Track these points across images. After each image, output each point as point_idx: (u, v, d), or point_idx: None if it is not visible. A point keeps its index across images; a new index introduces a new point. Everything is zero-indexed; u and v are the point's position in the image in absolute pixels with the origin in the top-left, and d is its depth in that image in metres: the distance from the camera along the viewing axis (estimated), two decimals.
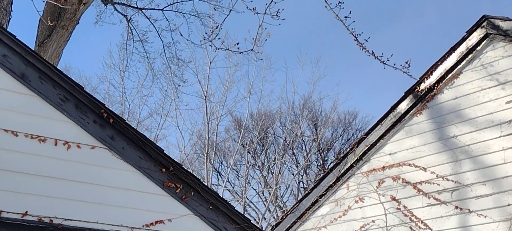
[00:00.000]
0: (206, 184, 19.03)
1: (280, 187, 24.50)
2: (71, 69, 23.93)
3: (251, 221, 5.79)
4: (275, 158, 24.45)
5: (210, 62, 20.41)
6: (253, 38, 8.11)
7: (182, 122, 29.70)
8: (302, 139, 25.78)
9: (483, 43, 6.86)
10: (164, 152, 5.26)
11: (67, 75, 4.94)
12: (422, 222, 6.89)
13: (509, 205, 6.22)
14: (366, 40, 7.51)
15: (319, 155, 27.21)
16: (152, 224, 5.03)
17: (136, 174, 5.05)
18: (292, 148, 24.99)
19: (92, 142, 4.89)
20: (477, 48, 6.91)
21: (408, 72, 7.46)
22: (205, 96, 20.29)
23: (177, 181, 5.26)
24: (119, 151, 4.98)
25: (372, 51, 7.51)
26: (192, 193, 5.33)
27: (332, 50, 33.80)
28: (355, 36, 7.55)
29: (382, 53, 7.54)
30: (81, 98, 4.87)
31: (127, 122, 5.16)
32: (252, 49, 8.09)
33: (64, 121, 4.80)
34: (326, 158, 27.27)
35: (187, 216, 5.27)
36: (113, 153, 4.96)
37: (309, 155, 26.09)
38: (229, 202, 5.77)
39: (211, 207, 5.42)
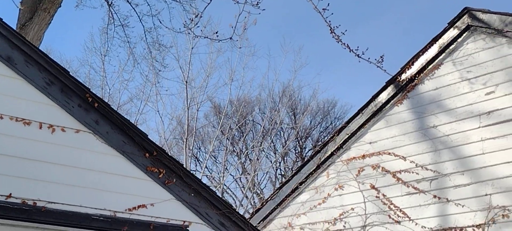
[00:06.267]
0: None
1: (257, 174, 24.61)
2: (52, 52, 23.68)
3: (233, 207, 5.84)
4: (253, 145, 24.51)
5: (192, 48, 20.35)
6: (232, 27, 8.15)
7: (162, 106, 29.60)
8: (281, 127, 25.87)
9: (464, 35, 6.95)
10: (148, 136, 5.27)
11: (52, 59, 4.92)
12: (400, 210, 6.98)
13: (486, 195, 6.33)
14: (343, 33, 7.60)
15: (297, 142, 27.35)
16: (134, 208, 5.05)
17: (119, 158, 5.07)
18: (271, 135, 25.06)
19: (76, 125, 4.89)
20: (458, 40, 6.99)
21: (382, 66, 7.56)
22: (186, 82, 20.23)
23: (160, 165, 5.29)
24: (103, 135, 4.99)
25: (347, 44, 7.61)
26: (175, 178, 5.35)
27: (315, 40, 33.92)
28: (331, 29, 7.62)
29: (358, 47, 7.64)
30: (66, 82, 4.86)
31: (111, 107, 5.16)
32: (231, 38, 8.13)
33: (49, 104, 4.80)
34: (304, 146, 27.43)
35: (169, 201, 5.30)
36: (97, 137, 4.97)
37: (287, 143, 26.20)
38: (211, 188, 5.81)
39: (193, 192, 5.44)
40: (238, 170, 25.52)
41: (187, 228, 5.33)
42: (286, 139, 26.64)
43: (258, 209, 8.51)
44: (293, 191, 8.17)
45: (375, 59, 7.72)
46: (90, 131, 4.94)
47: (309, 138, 27.70)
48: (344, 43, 7.72)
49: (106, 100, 20.04)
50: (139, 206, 5.10)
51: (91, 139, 4.94)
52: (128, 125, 5.14)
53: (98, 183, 4.88)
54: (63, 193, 4.69)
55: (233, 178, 25.26)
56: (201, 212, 5.48)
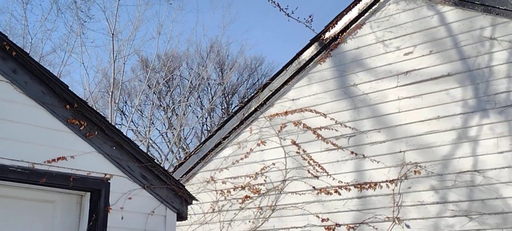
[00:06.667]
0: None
1: (184, 129, 24.59)
2: None
3: (155, 160, 5.84)
4: (180, 100, 24.43)
5: (119, 0, 19.92)
6: None
7: (87, 59, 29.00)
8: (208, 82, 25.86)
9: None
10: (69, 88, 5.18)
11: None
12: (319, 165, 7.18)
13: (400, 151, 6.59)
14: None
15: (224, 98, 27.46)
16: (54, 160, 4.96)
17: (39, 109, 4.95)
18: (198, 90, 25.03)
19: None
20: (380, 1, 7.16)
21: (311, 26, 7.69)
22: (113, 34, 19.84)
23: (81, 118, 5.21)
24: (21, 85, 4.85)
25: (278, 3, 7.66)
26: (96, 131, 5.29)
27: None
28: None
29: (287, 6, 7.72)
30: None
31: (31, 56, 5.02)
32: None
33: None
34: (231, 102, 27.56)
35: (91, 153, 5.24)
36: (15, 87, 4.83)
37: (214, 98, 26.25)
38: (134, 141, 5.78)
39: (115, 146, 5.41)
40: (164, 124, 25.44)
41: (109, 181, 5.29)
42: (213, 94, 26.70)
43: (182, 163, 8.56)
44: (216, 146, 8.25)
45: (304, 19, 7.85)
46: (8, 80, 4.78)
47: (235, 94, 27.87)
48: (274, 2, 7.78)
49: (28, 50, 19.53)
50: (58, 158, 5.02)
51: (8, 89, 4.79)
52: (48, 75, 5.01)
53: (15, 133, 4.76)
54: None
55: (159, 132, 25.18)
56: (123, 165, 5.46)
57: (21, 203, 4.93)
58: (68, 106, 5.12)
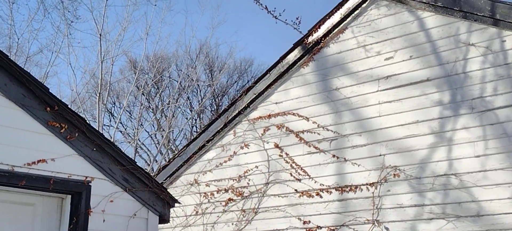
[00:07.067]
0: (97, 124, 18.80)
1: (173, 130, 24.58)
2: None
3: (137, 163, 5.87)
4: (169, 101, 24.43)
5: (107, 0, 19.91)
6: None
7: (74, 59, 28.96)
8: (198, 84, 25.88)
9: (368, 1, 7.19)
10: (49, 90, 5.20)
11: None
12: (301, 169, 7.24)
13: (380, 155, 6.66)
14: None
15: (213, 100, 27.48)
16: (34, 162, 4.97)
17: (18, 111, 4.96)
18: (187, 92, 25.06)
19: None
20: (362, 6, 7.23)
21: (299, 28, 7.74)
22: (100, 35, 19.82)
23: (62, 120, 5.23)
24: (0, 88, 4.86)
25: (266, 5, 7.72)
26: (77, 133, 5.31)
27: None
28: None
29: (275, 8, 7.77)
30: None
31: (10, 58, 5.03)
32: None
33: None
34: (220, 104, 27.58)
35: (71, 156, 5.26)
36: None
37: (203, 100, 26.27)
38: (116, 144, 5.80)
39: (95, 148, 5.44)
40: (153, 126, 25.43)
41: (90, 183, 5.31)
42: (202, 96, 26.72)
43: (165, 166, 8.60)
44: (200, 149, 8.29)
45: (292, 21, 7.90)
46: None
47: (225, 96, 27.89)
48: (262, 4, 7.84)
49: (14, 51, 19.51)
50: (39, 161, 5.03)
51: None
52: (28, 77, 5.03)
53: None
54: None
55: (148, 134, 25.18)
56: (104, 168, 5.47)
57: (0, 206, 4.95)
58: (48, 108, 5.14)
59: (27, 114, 5.03)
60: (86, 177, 5.32)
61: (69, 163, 5.23)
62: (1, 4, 21.24)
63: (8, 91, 4.92)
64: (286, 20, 7.84)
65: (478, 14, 6.30)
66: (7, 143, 4.86)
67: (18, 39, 20.54)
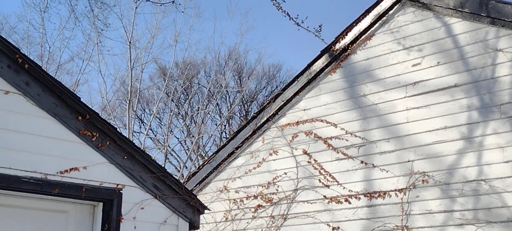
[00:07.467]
0: (127, 131, 19.00)
1: (202, 136, 24.72)
2: None
3: (167, 170, 5.93)
4: (198, 107, 24.57)
5: (136, 8, 20.13)
6: None
7: (105, 67, 29.31)
8: (227, 90, 25.99)
9: (395, 7, 7.20)
10: (81, 99, 5.29)
11: None
12: (330, 175, 7.26)
13: (408, 161, 6.65)
14: (284, 1, 7.73)
15: (242, 106, 27.55)
16: (66, 171, 5.06)
17: (51, 121, 5.06)
18: (216, 98, 25.17)
19: (6, 87, 4.84)
20: (389, 12, 7.23)
21: (320, 35, 7.76)
22: (130, 42, 20.04)
23: (93, 129, 5.31)
24: (34, 97, 4.97)
25: (287, 12, 7.74)
26: (108, 142, 5.39)
27: (262, 3, 33.88)
28: None
29: (298, 15, 7.79)
30: None
31: (43, 68, 5.14)
32: (173, 1, 8.14)
33: None
34: (249, 110, 27.64)
35: (103, 164, 5.33)
36: (28, 99, 4.94)
37: (232, 106, 26.37)
38: (146, 150, 5.88)
39: (127, 156, 5.50)
40: (183, 132, 25.59)
41: (121, 191, 5.38)
42: (231, 102, 26.82)
43: (195, 173, 8.68)
44: (229, 155, 8.36)
45: (314, 28, 7.90)
46: (20, 92, 4.90)
47: (254, 102, 27.95)
48: (284, 11, 7.86)
49: (46, 59, 19.83)
50: (71, 169, 5.11)
51: (21, 101, 4.91)
52: (60, 87, 5.13)
53: (28, 145, 4.88)
54: None
55: (178, 140, 25.35)
56: (135, 175, 5.54)
57: (35, 214, 5.05)
58: (80, 117, 5.23)
59: (59, 123, 5.12)
60: (117, 185, 5.39)
61: (101, 171, 5.32)
62: (33, 13, 21.61)
63: (41, 101, 5.02)
64: (308, 27, 7.85)
65: (506, 19, 6.26)
66: (40, 151, 4.96)
67: (50, 47, 20.90)
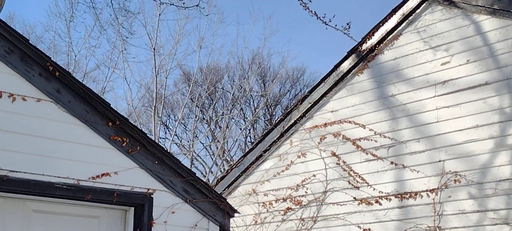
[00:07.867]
0: (153, 137, 19.10)
1: (227, 141, 24.76)
2: (14, 17, 23.39)
3: (196, 175, 5.94)
4: (223, 112, 24.62)
5: (159, 15, 20.26)
6: None
7: (130, 74, 29.51)
8: (251, 94, 26.01)
9: (422, 6, 7.13)
10: (111, 106, 5.32)
11: (12, 26, 4.91)
12: (359, 176, 7.21)
13: (440, 161, 6.58)
14: (310, 0, 7.70)
15: (266, 110, 27.53)
16: (98, 176, 5.10)
17: (82, 127, 5.11)
18: (240, 102, 25.20)
19: (37, 94, 4.89)
20: (416, 11, 7.17)
21: (348, 33, 7.70)
22: (154, 49, 20.18)
23: (123, 134, 5.35)
24: (65, 104, 5.02)
25: (315, 11, 7.70)
26: (138, 147, 5.42)
27: (285, 6, 33.89)
28: None
29: (325, 14, 7.75)
30: (26, 50, 4.84)
31: (74, 76, 5.19)
32: (197, 5, 8.16)
33: (9, 73, 4.77)
34: (273, 113, 27.62)
35: (133, 169, 5.36)
36: (59, 106, 4.99)
37: (257, 110, 26.37)
38: (175, 156, 5.89)
39: (157, 161, 5.53)
40: (208, 137, 25.66)
41: (152, 196, 5.41)
42: (255, 106, 26.82)
43: (223, 177, 8.69)
44: (257, 159, 8.35)
45: (342, 27, 7.85)
46: (52, 100, 4.95)
47: (278, 106, 27.91)
48: (311, 11, 7.83)
49: (72, 68, 20.05)
50: (102, 175, 5.15)
51: (53, 108, 4.96)
52: (90, 94, 5.18)
53: (60, 152, 4.93)
54: (25, 162, 4.72)
55: (203, 145, 25.42)
56: (165, 180, 5.56)
57: (67, 219, 5.10)
58: (110, 123, 5.26)
59: (90, 129, 5.16)
60: (148, 189, 5.42)
61: (132, 176, 5.35)
62: (59, 23, 21.87)
63: (72, 108, 5.06)
64: (336, 25, 7.80)
65: None
66: (73, 158, 5.00)
67: (76, 56, 21.13)
